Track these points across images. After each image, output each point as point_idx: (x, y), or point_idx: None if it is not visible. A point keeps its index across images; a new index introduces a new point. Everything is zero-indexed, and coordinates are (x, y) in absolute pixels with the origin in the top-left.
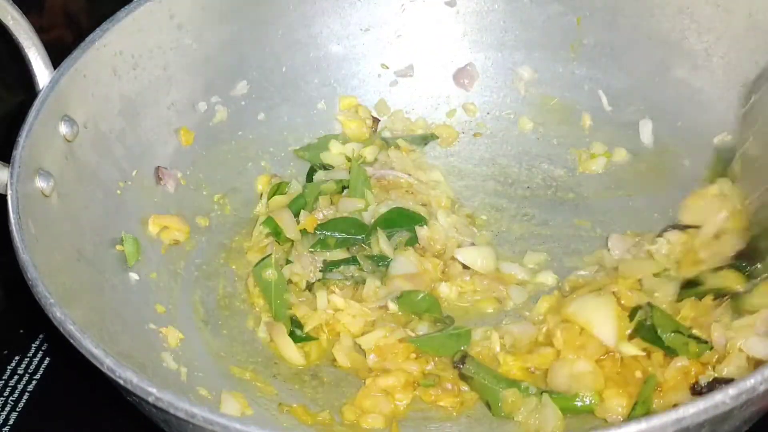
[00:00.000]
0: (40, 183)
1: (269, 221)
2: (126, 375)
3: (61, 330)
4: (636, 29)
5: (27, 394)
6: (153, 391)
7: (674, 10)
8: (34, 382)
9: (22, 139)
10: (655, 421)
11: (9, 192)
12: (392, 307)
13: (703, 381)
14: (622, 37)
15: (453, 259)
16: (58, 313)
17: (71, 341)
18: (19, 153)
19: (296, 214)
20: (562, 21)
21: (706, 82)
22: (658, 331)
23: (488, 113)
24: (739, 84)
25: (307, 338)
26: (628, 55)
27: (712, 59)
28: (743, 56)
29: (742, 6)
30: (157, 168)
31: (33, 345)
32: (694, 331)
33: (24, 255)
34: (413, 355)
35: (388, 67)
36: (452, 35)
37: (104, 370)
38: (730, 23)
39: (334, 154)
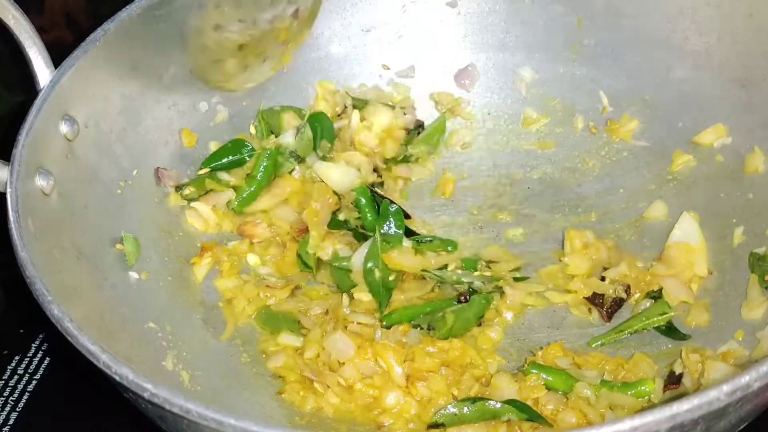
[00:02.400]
0: (40, 181)
1: None
2: (122, 371)
3: (59, 327)
4: (637, 30)
5: (27, 393)
6: (149, 387)
7: (675, 10)
8: (34, 382)
9: (22, 138)
10: (649, 417)
11: (9, 190)
12: None
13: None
14: (623, 37)
15: None
16: (55, 310)
17: (68, 338)
18: (19, 151)
19: None
20: (563, 22)
21: (706, 82)
22: None
23: (489, 113)
24: (740, 85)
25: None
26: (629, 55)
27: (713, 60)
28: (744, 57)
29: (743, 7)
30: (157, 169)
31: (33, 345)
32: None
33: (22, 252)
34: None
35: (389, 68)
36: (453, 36)
37: (101, 366)
38: (730, 24)
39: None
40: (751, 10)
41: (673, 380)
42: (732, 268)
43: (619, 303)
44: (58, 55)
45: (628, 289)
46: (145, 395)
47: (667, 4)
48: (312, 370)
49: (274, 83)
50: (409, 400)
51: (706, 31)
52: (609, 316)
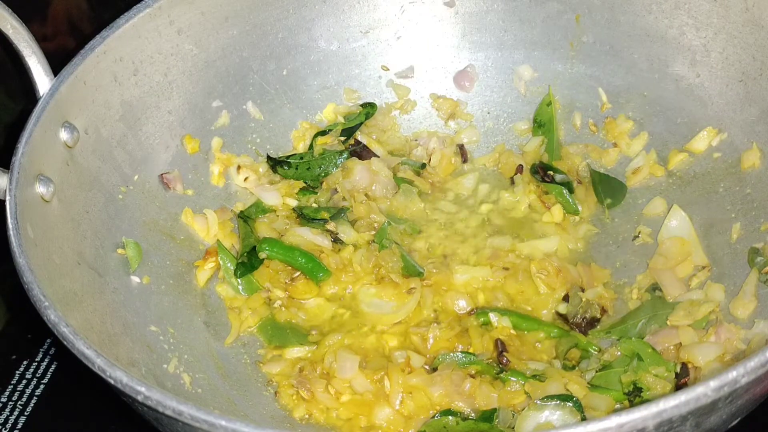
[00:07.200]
0: (40, 188)
1: None
2: (116, 375)
3: (55, 332)
4: (634, 26)
5: (35, 398)
6: (142, 390)
7: (672, 6)
8: (41, 387)
9: (21, 146)
10: (636, 414)
11: (8, 197)
12: None
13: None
14: (621, 34)
15: None
16: (52, 315)
17: (64, 343)
18: (18, 159)
19: None
20: (561, 19)
21: (705, 77)
22: None
23: (488, 112)
24: (738, 79)
25: None
26: (627, 52)
27: (711, 54)
28: (741, 51)
29: (739, 1)
30: (161, 176)
31: (41, 350)
32: None
33: (20, 259)
34: None
35: (388, 69)
36: (452, 36)
37: (96, 370)
38: (727, 18)
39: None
40: (747, 4)
41: (683, 374)
42: (731, 264)
43: (592, 322)
44: (61, 63)
45: (603, 310)
46: (139, 398)
47: (665, 0)
48: (298, 379)
49: (273, 87)
50: (397, 418)
51: (704, 26)
52: (584, 332)
